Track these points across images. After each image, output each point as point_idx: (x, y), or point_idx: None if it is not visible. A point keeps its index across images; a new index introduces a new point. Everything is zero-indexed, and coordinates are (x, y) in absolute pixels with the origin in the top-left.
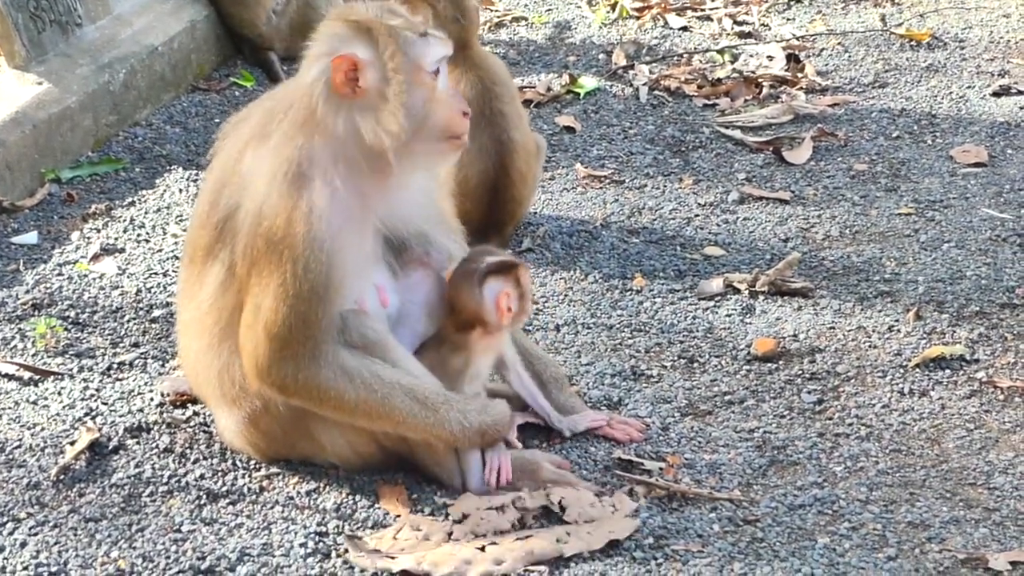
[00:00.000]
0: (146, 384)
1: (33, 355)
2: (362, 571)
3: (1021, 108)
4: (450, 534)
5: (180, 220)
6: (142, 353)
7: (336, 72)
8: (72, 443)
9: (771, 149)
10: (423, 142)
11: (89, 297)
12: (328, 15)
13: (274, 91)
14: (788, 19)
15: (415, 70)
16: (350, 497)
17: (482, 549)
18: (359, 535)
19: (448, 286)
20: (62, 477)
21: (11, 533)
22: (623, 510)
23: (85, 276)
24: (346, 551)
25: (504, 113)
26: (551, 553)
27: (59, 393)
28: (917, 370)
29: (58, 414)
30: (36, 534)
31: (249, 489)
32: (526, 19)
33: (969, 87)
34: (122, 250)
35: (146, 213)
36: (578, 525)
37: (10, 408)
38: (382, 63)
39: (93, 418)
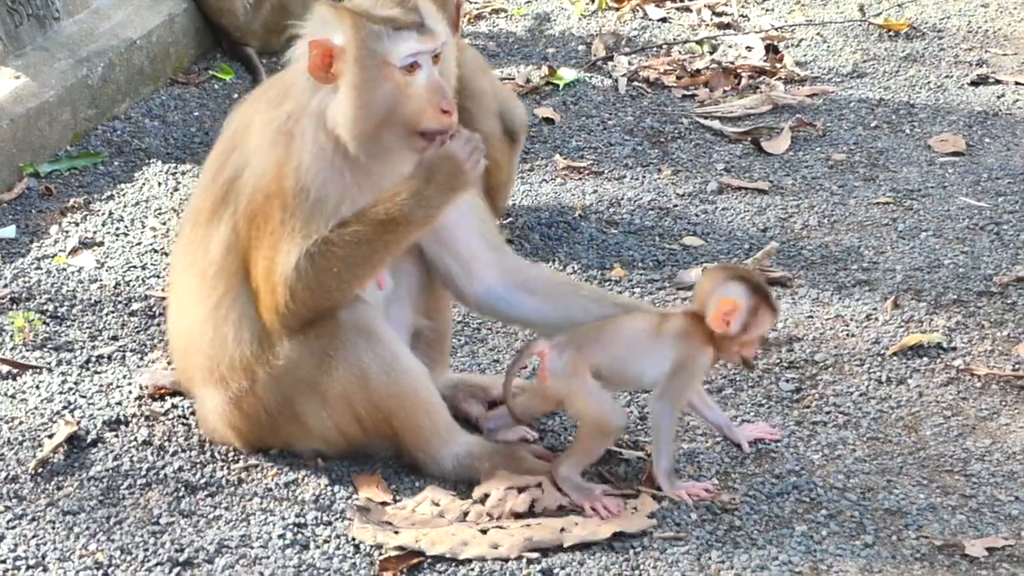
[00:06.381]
0: (124, 377)
1: (11, 349)
2: (343, 558)
3: (999, 97)
4: (466, 513)
5: (159, 213)
6: (120, 346)
7: (312, 55)
8: (50, 436)
9: (750, 139)
10: (394, 136)
11: (67, 291)
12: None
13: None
14: (767, 10)
15: (381, 65)
16: (328, 488)
17: (483, 532)
18: (369, 506)
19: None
20: (40, 470)
21: None
22: (643, 510)
23: (63, 270)
24: (349, 520)
25: (465, 108)
26: (551, 542)
27: (37, 387)
28: (895, 358)
29: (36, 408)
30: (14, 527)
31: (227, 481)
32: (505, 11)
33: (947, 76)
34: (100, 244)
35: (124, 207)
36: (592, 516)
37: None
38: (349, 53)
39: (71, 411)
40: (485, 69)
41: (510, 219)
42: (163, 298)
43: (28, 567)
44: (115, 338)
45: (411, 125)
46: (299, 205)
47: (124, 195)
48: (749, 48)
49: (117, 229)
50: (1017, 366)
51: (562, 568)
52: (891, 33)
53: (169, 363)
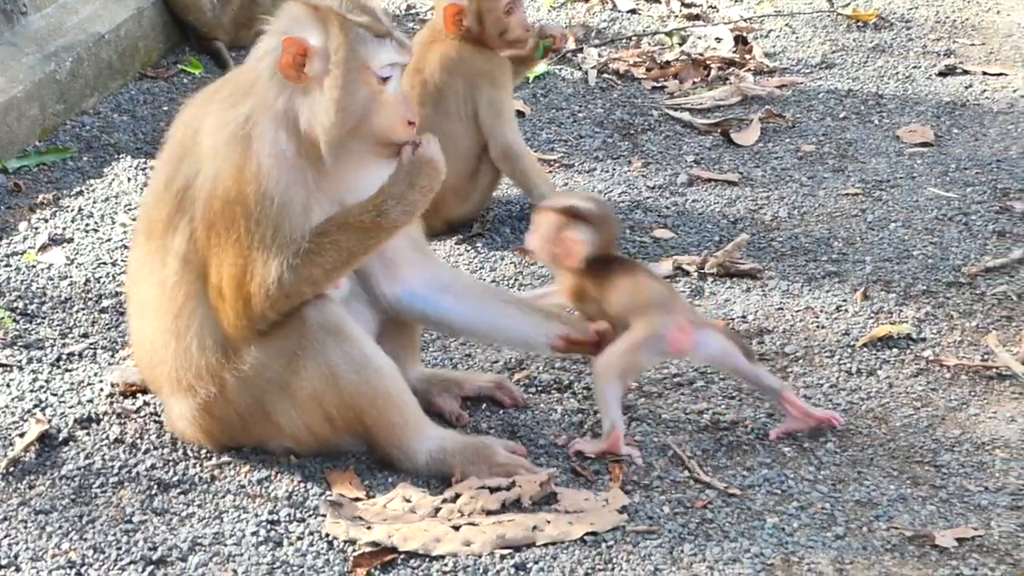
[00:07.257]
0: (96, 375)
1: None
2: (316, 555)
3: (966, 88)
4: (437, 509)
5: (129, 209)
6: (91, 344)
7: (285, 53)
8: (21, 435)
9: (719, 131)
10: (358, 142)
11: (37, 288)
12: None
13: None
14: (736, 1)
15: (361, 69)
16: (302, 484)
17: (456, 528)
18: (341, 500)
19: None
20: (12, 469)
21: None
22: (614, 504)
23: (33, 267)
24: (322, 516)
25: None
26: (523, 540)
27: (8, 385)
28: (864, 349)
29: (7, 406)
30: None
31: (200, 478)
32: None
33: (915, 67)
34: (70, 240)
35: (94, 203)
36: (564, 514)
37: None
38: (329, 54)
39: (42, 410)
40: (474, 77)
41: (480, 212)
42: None
43: (0, 567)
44: (86, 335)
45: (380, 136)
46: (264, 212)
47: (93, 191)
48: (718, 39)
49: (87, 225)
50: (986, 356)
51: (535, 563)
52: (859, 24)
53: None
